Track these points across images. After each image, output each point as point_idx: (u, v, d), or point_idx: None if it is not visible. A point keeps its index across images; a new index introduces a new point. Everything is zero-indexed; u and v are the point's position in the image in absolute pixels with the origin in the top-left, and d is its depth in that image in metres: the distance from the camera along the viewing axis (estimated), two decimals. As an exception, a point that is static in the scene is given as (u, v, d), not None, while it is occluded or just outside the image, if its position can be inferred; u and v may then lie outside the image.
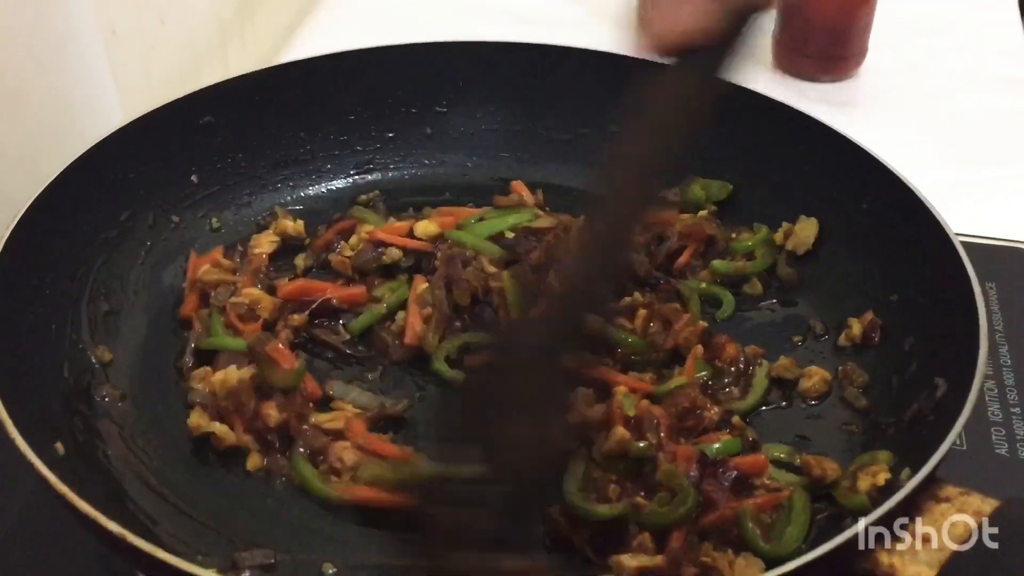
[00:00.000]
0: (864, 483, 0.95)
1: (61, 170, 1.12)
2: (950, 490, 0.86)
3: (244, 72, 1.35)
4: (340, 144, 1.39)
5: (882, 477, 0.94)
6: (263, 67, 1.37)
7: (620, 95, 1.37)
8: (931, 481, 0.86)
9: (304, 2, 1.97)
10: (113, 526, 0.81)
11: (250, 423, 1.04)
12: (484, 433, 0.82)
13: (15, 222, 1.06)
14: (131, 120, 1.22)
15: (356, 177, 1.39)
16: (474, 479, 0.80)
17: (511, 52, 1.41)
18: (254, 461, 1.03)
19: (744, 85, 1.32)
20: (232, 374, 1.05)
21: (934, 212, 1.11)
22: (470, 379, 0.97)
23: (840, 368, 1.13)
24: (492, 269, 1.17)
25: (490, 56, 1.41)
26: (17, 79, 1.18)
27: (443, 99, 1.42)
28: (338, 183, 1.39)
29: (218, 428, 1.03)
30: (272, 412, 1.04)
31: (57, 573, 1.01)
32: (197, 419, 1.04)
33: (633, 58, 1.38)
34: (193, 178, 1.29)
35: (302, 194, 1.37)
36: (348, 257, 1.23)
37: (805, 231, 1.24)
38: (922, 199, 1.13)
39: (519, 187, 1.35)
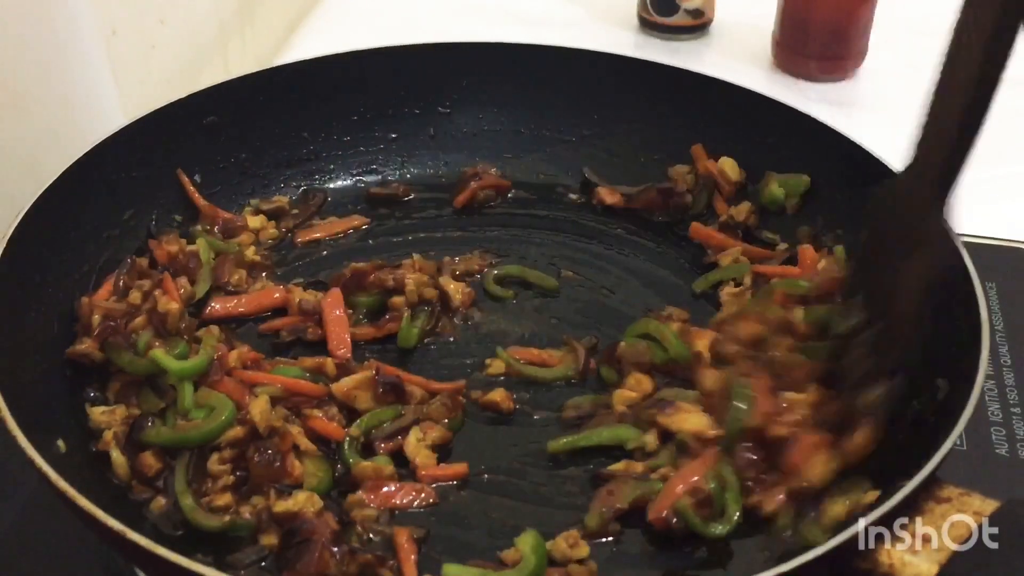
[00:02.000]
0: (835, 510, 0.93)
1: (64, 169, 1.13)
2: (950, 490, 0.86)
3: (247, 72, 1.35)
4: (343, 144, 1.39)
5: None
6: (266, 67, 1.37)
7: (622, 96, 1.39)
8: (931, 481, 0.86)
9: (304, 2, 1.98)
10: (114, 523, 0.81)
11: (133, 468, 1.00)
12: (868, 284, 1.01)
13: (18, 221, 1.06)
14: (135, 119, 1.23)
15: (359, 177, 1.39)
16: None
17: (514, 53, 1.41)
18: (158, 503, 0.97)
19: (744, 85, 1.32)
20: (96, 415, 1.03)
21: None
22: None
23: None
24: None
25: (493, 57, 1.41)
26: (18, 79, 1.18)
27: (446, 100, 1.42)
28: (341, 183, 1.39)
29: (116, 457, 0.99)
30: (151, 462, 0.98)
31: (57, 571, 1.02)
32: (108, 435, 1.01)
33: (635, 59, 1.40)
34: (196, 177, 1.29)
35: (304, 195, 1.36)
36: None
37: None
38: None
39: None
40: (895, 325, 0.97)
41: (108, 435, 1.00)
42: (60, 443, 0.97)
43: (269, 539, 0.94)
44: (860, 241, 1.06)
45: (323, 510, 0.95)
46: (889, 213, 1.01)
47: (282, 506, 0.94)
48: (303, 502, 0.94)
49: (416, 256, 1.22)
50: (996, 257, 1.37)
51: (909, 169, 0.99)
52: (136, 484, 0.98)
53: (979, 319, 0.98)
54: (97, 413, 1.03)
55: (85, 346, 1.06)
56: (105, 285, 1.14)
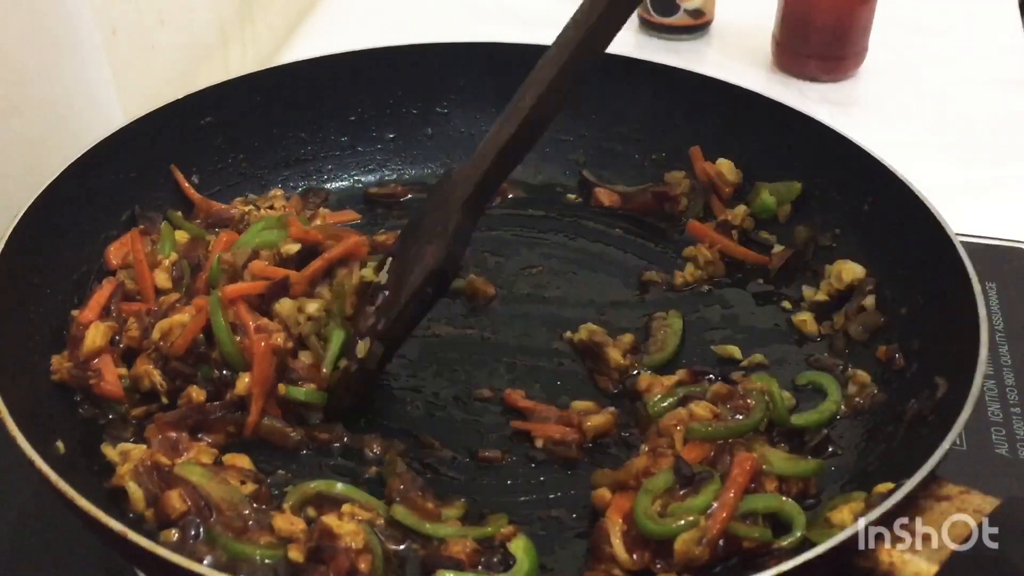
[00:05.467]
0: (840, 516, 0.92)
1: (61, 170, 1.12)
2: (950, 488, 0.86)
3: (245, 73, 1.35)
4: (341, 145, 1.39)
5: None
6: (264, 67, 1.37)
7: (621, 97, 1.39)
8: (931, 480, 0.86)
9: (304, 2, 1.97)
10: (114, 524, 0.81)
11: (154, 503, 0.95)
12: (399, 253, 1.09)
13: (16, 221, 1.06)
14: (133, 120, 1.23)
15: (357, 177, 1.39)
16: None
17: (513, 53, 1.40)
18: (167, 534, 0.93)
19: (742, 85, 1.32)
20: (111, 453, 1.00)
21: (935, 213, 1.11)
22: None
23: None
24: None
25: (492, 57, 1.41)
26: (18, 78, 1.18)
27: (444, 100, 1.42)
28: (339, 183, 1.39)
29: (133, 491, 0.96)
30: (176, 504, 0.93)
31: (57, 573, 1.01)
32: (123, 469, 0.98)
33: (634, 59, 1.40)
34: (194, 178, 1.29)
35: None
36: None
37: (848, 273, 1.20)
38: (923, 200, 1.13)
39: None
40: (395, 298, 1.06)
41: (123, 469, 0.97)
42: (59, 444, 0.97)
43: (296, 554, 0.91)
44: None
45: (366, 550, 0.91)
46: (435, 198, 1.11)
47: (329, 521, 0.92)
48: (350, 530, 0.92)
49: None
50: (996, 257, 1.38)
51: (463, 168, 1.09)
52: (152, 519, 0.95)
53: (978, 318, 0.98)
54: (112, 452, 1.00)
55: (61, 374, 1.05)
56: (94, 298, 1.11)
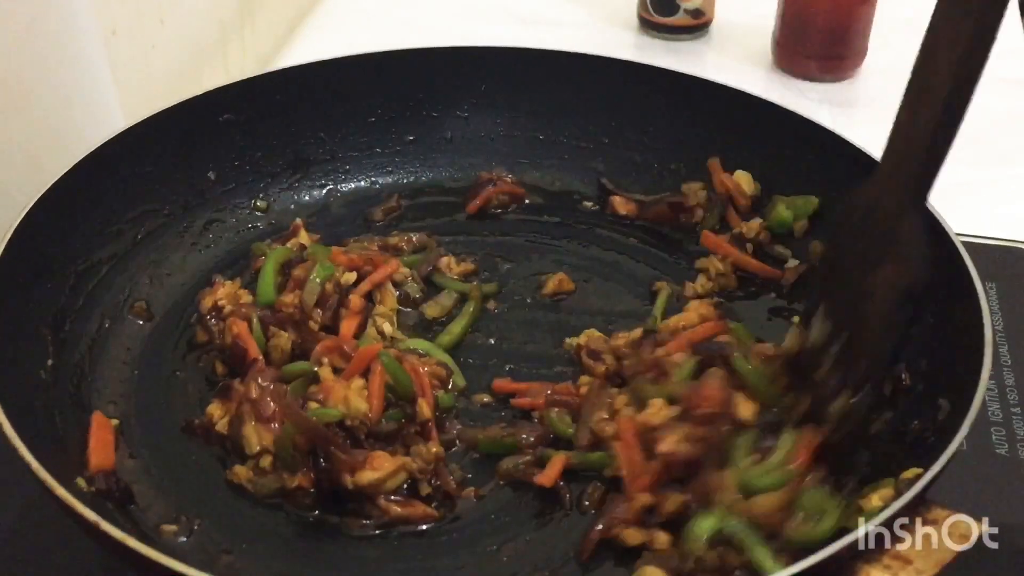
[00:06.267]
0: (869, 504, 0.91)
1: (74, 163, 1.13)
2: (938, 512, 0.84)
3: (248, 72, 1.37)
4: (360, 146, 1.39)
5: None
6: (283, 67, 1.37)
7: (642, 104, 1.38)
8: (919, 503, 0.84)
9: (304, 2, 1.97)
10: (89, 513, 0.81)
11: None
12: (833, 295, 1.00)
13: (19, 220, 1.06)
14: (151, 115, 1.23)
15: (374, 178, 1.39)
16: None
17: (535, 58, 1.40)
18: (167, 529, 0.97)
19: (750, 91, 1.31)
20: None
21: (951, 234, 1.08)
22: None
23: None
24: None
25: (514, 62, 1.41)
26: (18, 79, 1.18)
27: (465, 104, 1.42)
28: (355, 184, 1.39)
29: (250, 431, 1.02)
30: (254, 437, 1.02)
31: (57, 573, 1.01)
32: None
33: (656, 68, 1.38)
34: (210, 175, 1.30)
35: (318, 194, 1.37)
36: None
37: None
38: (939, 219, 1.09)
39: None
40: (863, 337, 0.96)
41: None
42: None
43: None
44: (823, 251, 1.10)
45: None
46: (860, 220, 1.00)
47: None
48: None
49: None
50: (996, 257, 1.35)
51: (882, 174, 0.98)
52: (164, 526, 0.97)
53: (983, 343, 0.96)
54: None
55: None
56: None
